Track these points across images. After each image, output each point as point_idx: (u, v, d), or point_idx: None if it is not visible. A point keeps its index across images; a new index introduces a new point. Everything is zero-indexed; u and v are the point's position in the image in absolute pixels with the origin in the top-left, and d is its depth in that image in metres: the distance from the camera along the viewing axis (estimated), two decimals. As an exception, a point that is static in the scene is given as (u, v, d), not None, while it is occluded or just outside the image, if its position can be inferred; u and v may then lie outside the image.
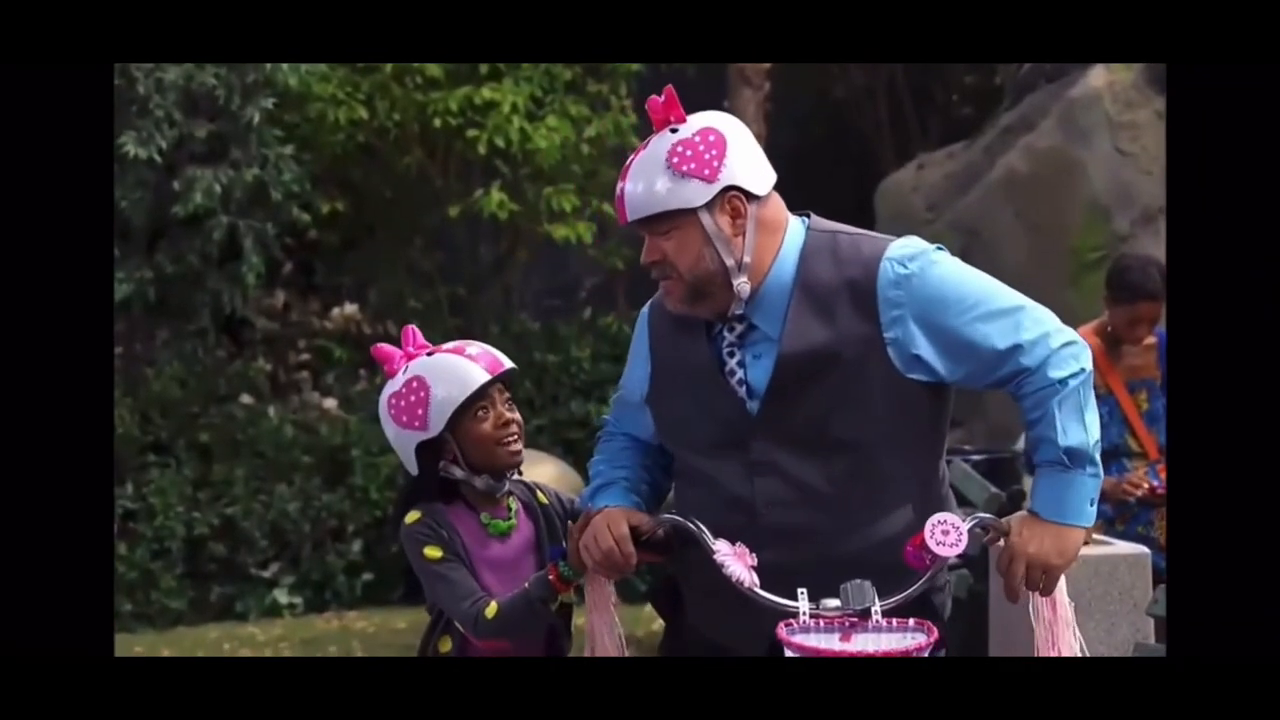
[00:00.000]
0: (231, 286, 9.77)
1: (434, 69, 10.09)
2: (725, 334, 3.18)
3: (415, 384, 3.33)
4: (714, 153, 3.08)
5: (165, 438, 10.14)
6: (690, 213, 3.08)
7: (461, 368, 3.33)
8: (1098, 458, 3.10)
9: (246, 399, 10.79)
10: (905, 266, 3.10)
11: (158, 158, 9.19)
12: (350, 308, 12.14)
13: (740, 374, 3.15)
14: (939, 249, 3.17)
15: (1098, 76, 10.11)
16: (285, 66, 9.39)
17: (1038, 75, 10.65)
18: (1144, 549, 5.35)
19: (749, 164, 3.12)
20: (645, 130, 3.25)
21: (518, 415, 3.39)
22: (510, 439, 3.35)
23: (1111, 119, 9.95)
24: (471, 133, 10.11)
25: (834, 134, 13.45)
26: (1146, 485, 5.60)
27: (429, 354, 3.38)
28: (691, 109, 3.19)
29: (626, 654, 3.31)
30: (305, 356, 11.92)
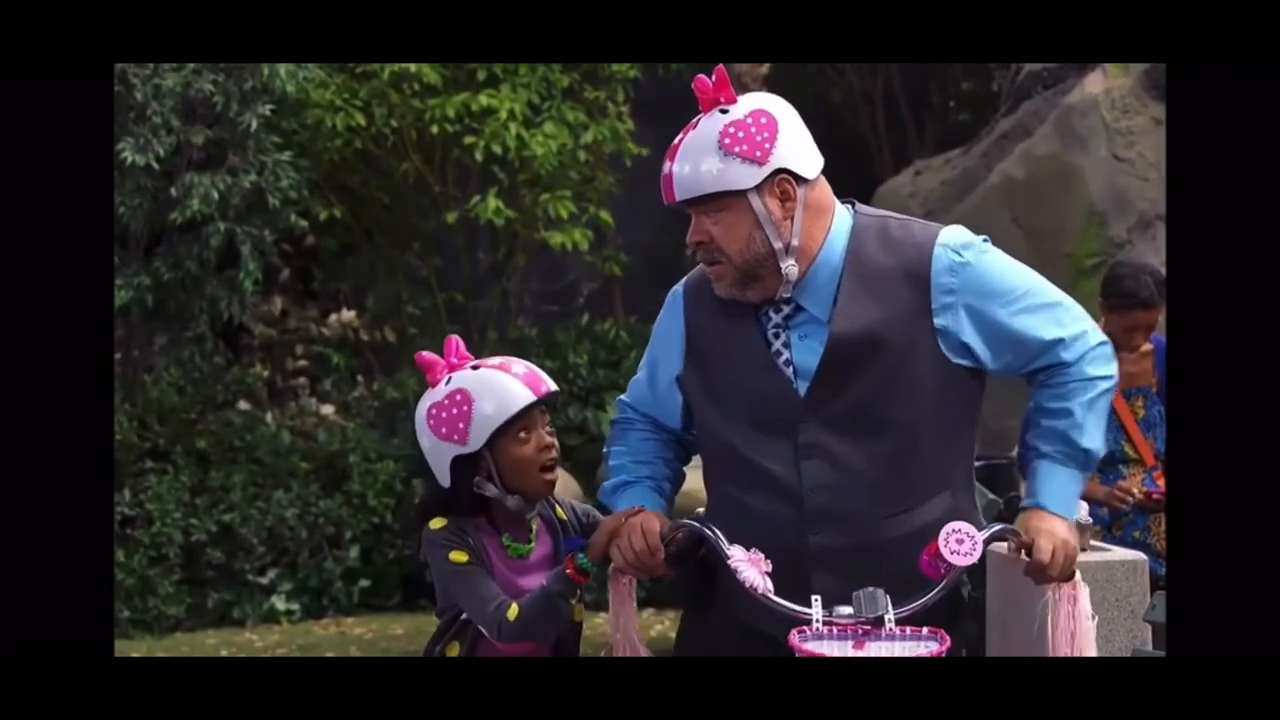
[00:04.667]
0: (229, 293, 9.77)
1: (431, 75, 10.09)
2: (770, 315, 3.18)
3: (459, 397, 3.31)
4: (765, 135, 3.09)
5: (163, 444, 10.14)
6: (740, 195, 3.09)
7: (507, 386, 3.33)
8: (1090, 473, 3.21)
9: (244, 405, 10.80)
10: (960, 255, 3.16)
11: (155, 164, 9.19)
12: (348, 314, 12.14)
13: (786, 355, 3.17)
14: (986, 240, 3.24)
15: (1094, 83, 10.11)
16: (283, 73, 9.38)
17: (1034, 82, 10.64)
18: (1141, 555, 5.34)
19: (799, 147, 3.14)
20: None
21: (555, 440, 3.39)
22: (549, 464, 3.35)
23: (1108, 125, 9.95)
24: (469, 139, 10.12)
25: (831, 140, 13.39)
26: (1139, 492, 5.64)
27: (474, 367, 3.37)
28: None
29: (644, 650, 3.28)
30: (303, 363, 11.92)
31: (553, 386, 3.39)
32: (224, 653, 9.13)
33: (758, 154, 3.08)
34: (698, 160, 3.09)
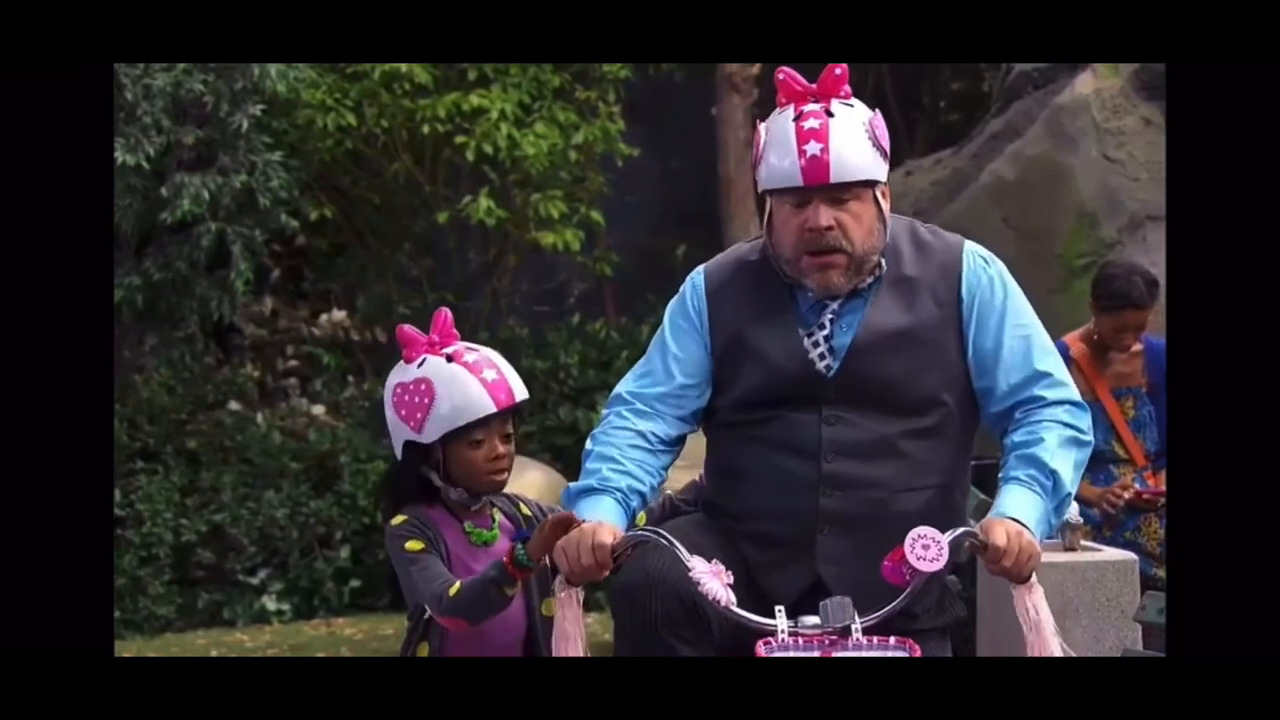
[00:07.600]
0: (220, 293, 9.74)
1: (422, 75, 10.08)
2: (828, 301, 3.28)
3: (424, 386, 3.31)
4: (888, 134, 3.25)
5: (153, 444, 10.13)
6: (871, 186, 3.23)
7: (470, 391, 3.31)
8: (1061, 516, 3.24)
9: (235, 405, 10.78)
10: (985, 262, 3.34)
11: (146, 164, 9.16)
12: (339, 314, 12.14)
13: (824, 340, 3.26)
14: None
15: (1085, 83, 10.11)
16: (273, 73, 9.35)
17: (1025, 82, 10.64)
18: (1131, 555, 5.36)
19: None
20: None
21: (511, 448, 3.37)
22: (497, 472, 3.35)
23: (1099, 125, 9.95)
24: (460, 139, 10.11)
25: (822, 140, 13.43)
26: (1132, 490, 5.66)
27: (450, 357, 3.34)
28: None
29: (583, 652, 3.24)
30: (293, 363, 11.91)
31: (519, 398, 3.35)
32: (214, 653, 9.11)
33: (887, 150, 3.23)
34: (856, 147, 3.19)
